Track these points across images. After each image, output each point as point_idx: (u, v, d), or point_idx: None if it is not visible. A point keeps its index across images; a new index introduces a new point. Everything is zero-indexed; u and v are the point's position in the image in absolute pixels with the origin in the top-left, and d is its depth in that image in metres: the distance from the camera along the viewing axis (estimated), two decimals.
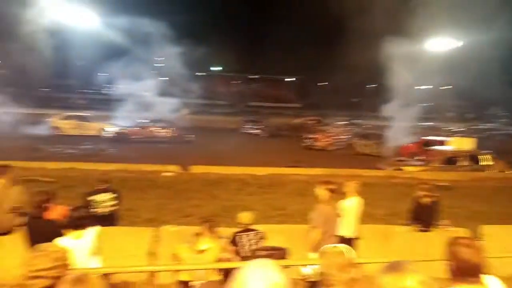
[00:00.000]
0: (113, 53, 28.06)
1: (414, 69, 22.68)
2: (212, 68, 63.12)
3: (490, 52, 25.48)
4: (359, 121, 32.53)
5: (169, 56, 26.75)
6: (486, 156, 15.28)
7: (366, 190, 11.44)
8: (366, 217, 8.87)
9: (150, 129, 22.55)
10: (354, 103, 52.63)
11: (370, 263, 4.88)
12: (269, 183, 11.66)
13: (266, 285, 1.46)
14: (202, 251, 4.65)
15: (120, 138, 21.38)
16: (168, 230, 6.07)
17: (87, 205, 5.84)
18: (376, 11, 22.25)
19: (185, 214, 8.80)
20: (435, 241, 6.65)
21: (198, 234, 4.95)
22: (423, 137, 20.90)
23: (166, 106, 25.28)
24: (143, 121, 23.12)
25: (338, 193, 5.56)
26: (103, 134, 22.91)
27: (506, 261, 5.81)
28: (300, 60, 53.94)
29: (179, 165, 13.17)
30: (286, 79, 70.98)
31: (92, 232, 4.09)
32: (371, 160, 17.83)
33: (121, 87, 28.42)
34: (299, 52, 53.27)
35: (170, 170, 12.95)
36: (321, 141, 22.30)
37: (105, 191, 6.14)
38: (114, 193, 6.20)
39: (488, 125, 34.47)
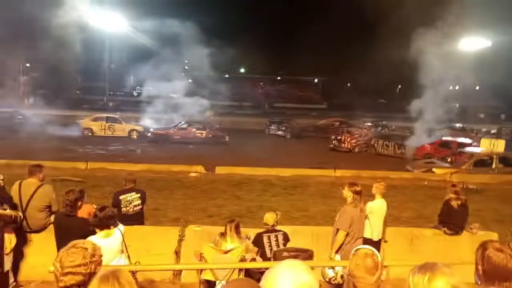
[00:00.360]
0: (143, 55, 28.67)
1: (443, 69, 22.15)
2: (238, 70, 63.52)
3: None
4: (385, 122, 31.95)
5: (197, 57, 27.06)
6: None
7: (394, 193, 11.35)
8: (393, 220, 8.77)
9: (189, 130, 22.99)
10: (381, 104, 51.76)
11: (397, 266, 4.82)
12: (293, 184, 11.63)
13: (295, 285, 1.47)
14: (227, 251, 4.69)
15: (158, 139, 21.87)
16: (193, 229, 6.14)
17: (115, 204, 5.99)
18: (403, 12, 21.87)
19: (210, 214, 8.91)
20: (464, 245, 6.51)
21: (222, 234, 5.00)
22: (443, 138, 20.59)
23: (195, 108, 25.66)
24: (181, 122, 23.61)
25: (364, 195, 5.50)
26: (141, 134, 23.45)
27: None
28: (326, 61, 53.53)
29: (204, 165, 13.33)
30: (311, 80, 70.59)
31: (119, 231, 4.18)
32: (398, 161, 17.51)
33: (150, 89, 28.97)
34: (326, 52, 52.90)
35: (196, 171, 13.13)
36: (347, 142, 22.04)
37: (132, 190, 6.27)
38: (141, 193, 6.32)
39: None
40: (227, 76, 52.17)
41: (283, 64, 60.28)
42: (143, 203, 6.29)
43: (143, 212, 6.39)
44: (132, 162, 14.13)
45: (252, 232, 5.46)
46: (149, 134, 22.71)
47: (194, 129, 23.02)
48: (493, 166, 14.33)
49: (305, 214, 9.26)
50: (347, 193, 5.25)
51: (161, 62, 25.95)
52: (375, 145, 21.84)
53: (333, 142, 22.54)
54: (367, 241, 5.99)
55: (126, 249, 4.31)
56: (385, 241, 6.50)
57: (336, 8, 47.61)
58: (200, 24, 26.62)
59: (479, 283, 2.18)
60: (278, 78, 67.49)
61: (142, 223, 6.30)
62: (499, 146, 15.27)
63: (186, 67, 34.64)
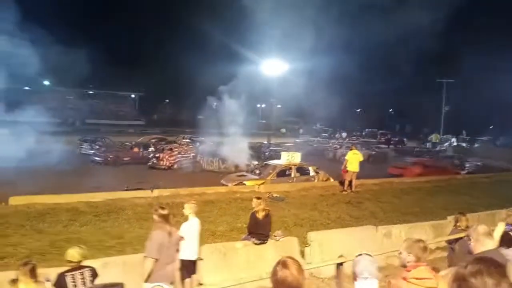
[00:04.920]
0: None
1: (250, 88, 24.55)
2: (44, 82, 56.10)
3: (313, 73, 29.18)
4: (205, 138, 32.96)
5: None
6: (312, 167, 17.27)
7: (210, 208, 11.76)
8: (209, 235, 9.07)
9: (135, 151, 23.98)
10: (200, 120, 53.62)
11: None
12: (106, 210, 10.76)
13: None
14: None
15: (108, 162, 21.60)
16: None
17: None
18: (217, 34, 23.49)
19: (2, 255, 7.51)
20: (270, 252, 7.19)
21: (14, 281, 4.26)
22: None
23: None
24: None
25: (175, 216, 5.49)
26: None
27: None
28: (143, 75, 52.57)
29: None
30: (128, 95, 68.25)
31: None
32: (216, 176, 18.17)
33: None
34: (143, 67, 51.96)
35: None
36: (166, 160, 21.91)
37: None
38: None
39: (313, 139, 38.87)
40: (30, 89, 45.84)
41: (95, 76, 56.01)
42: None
43: None
44: None
45: (56, 272, 4.81)
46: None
47: (141, 149, 24.10)
48: (292, 175, 16.38)
49: (120, 242, 8.72)
50: (154, 216, 5.17)
51: None
52: (201, 161, 22.37)
53: (152, 160, 22.15)
54: (184, 262, 6.01)
55: None
56: (201, 259, 6.64)
57: (154, 21, 47.38)
58: None
59: None
60: (90, 92, 62.93)
61: None
62: (296, 158, 17.58)
63: None
